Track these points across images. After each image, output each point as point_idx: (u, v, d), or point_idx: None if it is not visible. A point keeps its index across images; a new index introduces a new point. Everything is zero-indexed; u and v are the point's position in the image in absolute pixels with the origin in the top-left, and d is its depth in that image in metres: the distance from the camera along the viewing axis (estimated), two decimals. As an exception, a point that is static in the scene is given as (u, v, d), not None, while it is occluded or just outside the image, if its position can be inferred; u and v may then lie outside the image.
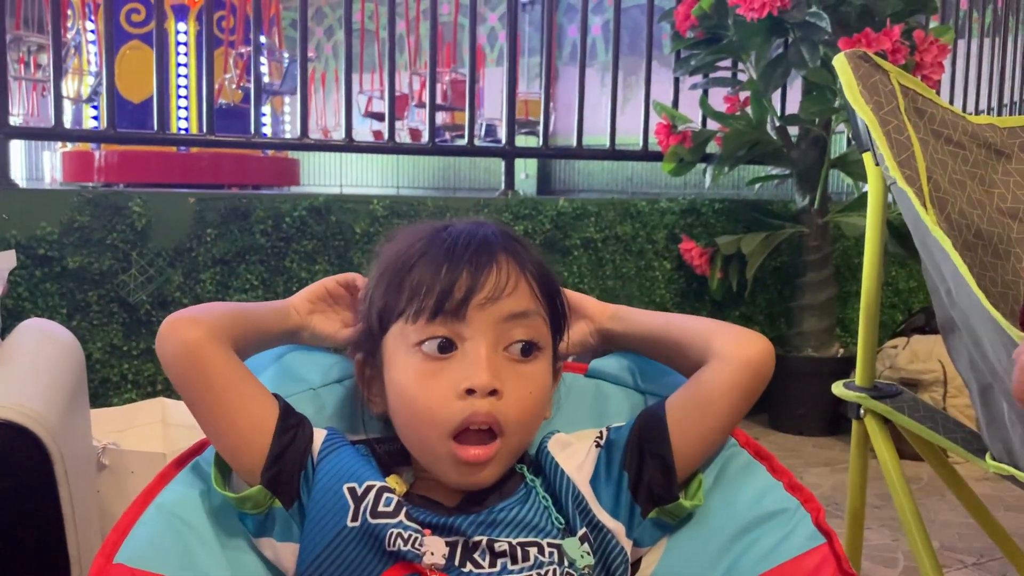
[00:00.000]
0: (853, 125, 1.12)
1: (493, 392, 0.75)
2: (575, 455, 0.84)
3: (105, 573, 0.73)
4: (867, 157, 1.10)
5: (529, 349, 0.78)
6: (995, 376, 0.88)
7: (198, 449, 0.84)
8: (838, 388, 1.13)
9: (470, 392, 0.75)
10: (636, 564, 0.88)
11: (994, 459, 0.93)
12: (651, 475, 0.81)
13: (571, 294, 0.91)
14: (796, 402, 2.98)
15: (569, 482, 0.81)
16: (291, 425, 0.80)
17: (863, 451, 1.11)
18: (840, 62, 1.13)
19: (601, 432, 0.86)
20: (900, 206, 1.04)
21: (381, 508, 0.75)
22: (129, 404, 1.73)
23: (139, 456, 1.39)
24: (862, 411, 1.10)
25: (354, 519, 0.75)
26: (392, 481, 0.79)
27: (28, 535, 0.99)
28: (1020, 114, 4.81)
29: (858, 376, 1.12)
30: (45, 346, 1.21)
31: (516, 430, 0.77)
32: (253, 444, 0.77)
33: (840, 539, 0.85)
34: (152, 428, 1.65)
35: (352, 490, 0.76)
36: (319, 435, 0.80)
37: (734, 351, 0.82)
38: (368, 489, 0.76)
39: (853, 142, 1.15)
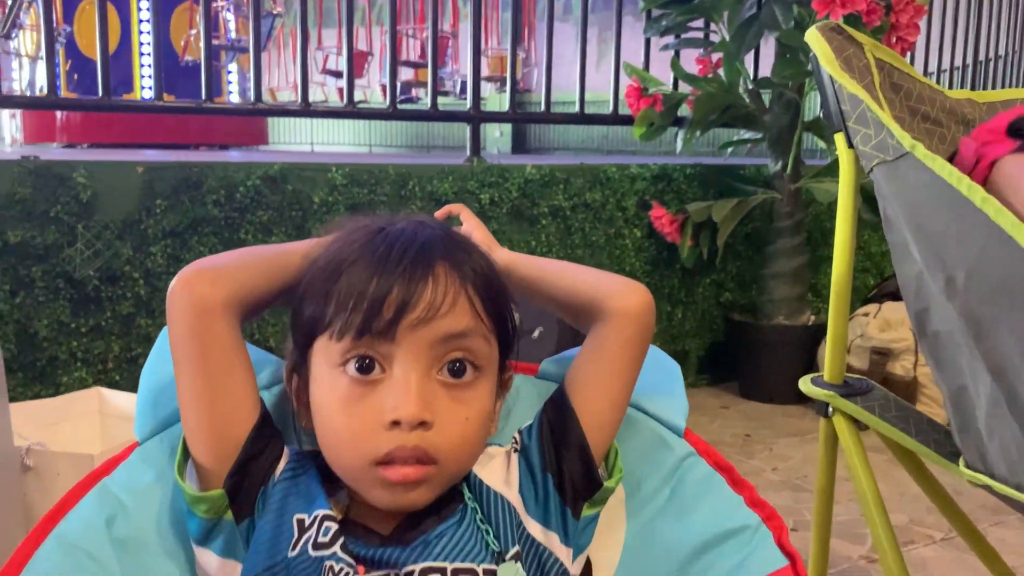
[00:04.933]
0: (824, 103, 1.05)
1: (422, 423, 0.68)
2: (498, 468, 0.78)
3: (-6, 620, 0.66)
4: (839, 138, 1.02)
5: (466, 372, 0.71)
6: (976, 374, 0.81)
7: (105, 470, 0.76)
8: (805, 384, 1.06)
9: (396, 423, 0.68)
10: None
11: (968, 466, 0.87)
12: (571, 468, 0.77)
13: (472, 230, 0.87)
14: (766, 370, 2.95)
15: (499, 498, 0.75)
16: (265, 435, 0.74)
17: (831, 454, 1.05)
18: (814, 36, 1.05)
19: (515, 436, 0.81)
20: (895, 184, 0.92)
21: (320, 539, 0.69)
22: (63, 395, 1.64)
23: (66, 457, 1.30)
24: (831, 409, 1.04)
25: (293, 548, 0.70)
26: (332, 505, 0.73)
27: (-64, 552, 0.92)
28: (995, 70, 4.75)
29: (827, 371, 1.05)
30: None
31: (450, 459, 0.71)
32: (226, 435, 0.72)
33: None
34: (88, 420, 1.57)
35: (300, 521, 0.71)
36: (284, 456, 0.75)
37: (620, 306, 0.79)
38: (315, 519, 0.71)
39: (824, 121, 1.07)
